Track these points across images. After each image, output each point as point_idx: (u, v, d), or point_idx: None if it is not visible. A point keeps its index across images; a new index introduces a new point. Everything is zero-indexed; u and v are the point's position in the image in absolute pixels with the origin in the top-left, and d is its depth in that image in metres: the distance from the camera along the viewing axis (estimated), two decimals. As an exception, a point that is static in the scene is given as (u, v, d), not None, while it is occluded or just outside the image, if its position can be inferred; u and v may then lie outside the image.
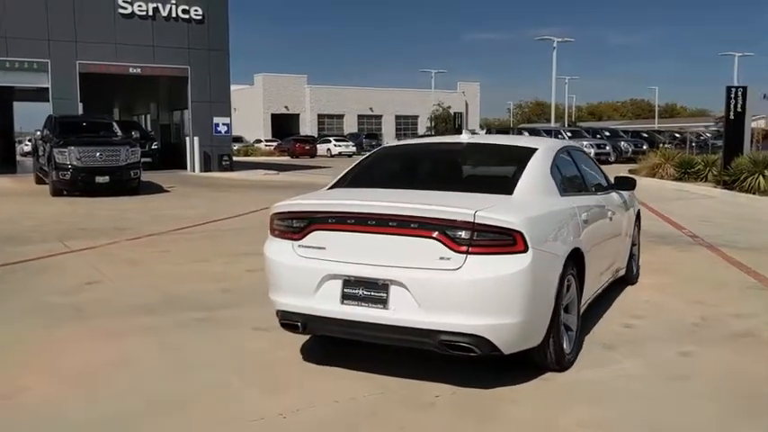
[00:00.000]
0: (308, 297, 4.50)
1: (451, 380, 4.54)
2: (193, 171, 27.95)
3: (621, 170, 25.93)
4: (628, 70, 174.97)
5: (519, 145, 5.68)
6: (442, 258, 4.16)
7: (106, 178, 17.80)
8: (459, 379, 4.55)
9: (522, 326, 4.22)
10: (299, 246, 4.59)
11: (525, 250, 4.16)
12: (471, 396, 4.35)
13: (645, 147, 36.90)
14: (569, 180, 5.52)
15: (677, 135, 42.05)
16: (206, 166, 28.20)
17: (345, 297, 4.37)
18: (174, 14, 27.18)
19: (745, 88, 18.14)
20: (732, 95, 18.07)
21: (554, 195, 5.01)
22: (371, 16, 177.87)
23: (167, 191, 19.86)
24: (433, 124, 43.42)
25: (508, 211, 4.29)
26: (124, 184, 18.16)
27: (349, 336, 4.64)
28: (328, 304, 4.42)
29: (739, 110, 18.04)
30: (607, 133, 39.19)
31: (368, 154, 5.85)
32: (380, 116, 75.45)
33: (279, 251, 4.71)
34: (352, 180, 5.40)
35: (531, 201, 4.68)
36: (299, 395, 4.36)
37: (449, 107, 39.50)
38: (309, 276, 4.49)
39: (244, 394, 4.43)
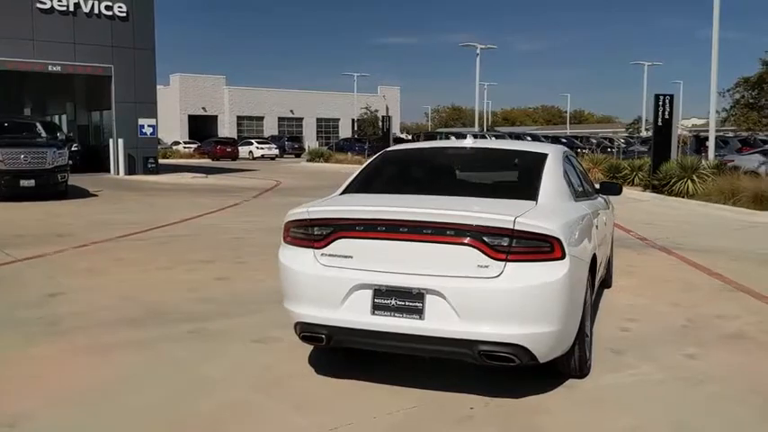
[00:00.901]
0: (333, 308, 4.31)
1: (478, 390, 4.46)
2: (117, 174, 26.86)
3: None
4: (537, 77, 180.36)
5: (529, 150, 5.66)
6: (480, 266, 4.07)
7: (32, 182, 16.82)
8: (485, 389, 4.48)
9: (559, 334, 4.19)
10: (322, 254, 4.40)
11: (563, 257, 4.12)
12: (505, 407, 4.28)
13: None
14: (576, 185, 5.55)
15: (593, 141, 43.54)
16: (130, 169, 27.15)
17: (376, 307, 4.21)
18: (96, 11, 26.04)
19: (672, 96, 18.95)
20: (660, 103, 18.84)
21: (570, 201, 5.01)
22: (293, 17, 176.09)
23: (95, 195, 18.98)
24: (360, 128, 43.30)
25: (545, 217, 4.24)
26: (51, 188, 17.22)
27: (379, 348, 4.48)
28: (357, 315, 4.25)
29: (667, 117, 18.81)
30: (529, 138, 40.08)
31: (373, 158, 5.67)
32: (301, 119, 74.84)
33: (298, 260, 4.50)
34: (365, 185, 5.23)
35: (556, 207, 4.65)
36: (331, 412, 4.17)
37: (376, 110, 39.43)
38: (335, 286, 4.31)
39: (273, 413, 4.21)
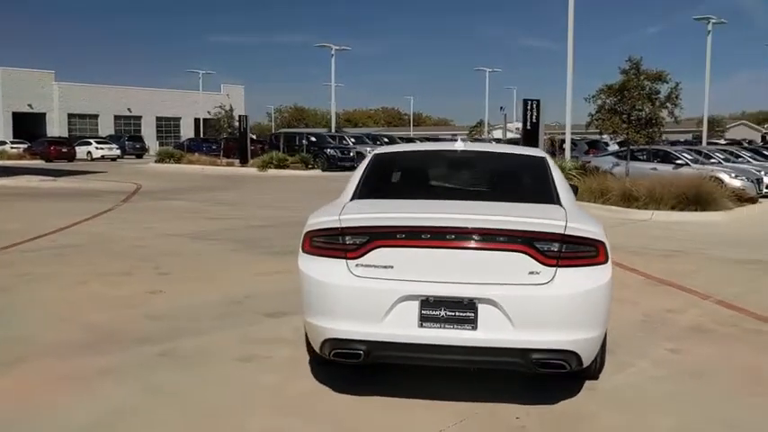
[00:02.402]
0: (374, 322, 4.05)
1: (510, 399, 4.41)
2: (-52, 177, 24.02)
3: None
4: (377, 80, 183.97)
5: (525, 153, 5.67)
6: (531, 273, 4.00)
7: None
8: (516, 398, 4.43)
9: (600, 338, 4.22)
10: (357, 265, 4.12)
11: (605, 261, 4.15)
12: (547, 414, 4.25)
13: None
14: None
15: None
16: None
17: (424, 319, 4.00)
18: None
19: (538, 101, 19.99)
20: (528, 107, 19.82)
21: (576, 203, 5.07)
22: (131, 11, 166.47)
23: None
24: (214, 127, 41.68)
25: (587, 221, 4.25)
26: None
27: (425, 362, 4.27)
28: (402, 328, 4.02)
29: (534, 120, 19.82)
30: (386, 140, 40.80)
31: (366, 162, 5.35)
32: (140, 117, 70.99)
33: (327, 271, 4.17)
34: (374, 191, 4.97)
35: (578, 210, 4.68)
36: (383, 432, 3.92)
37: (231, 110, 38.19)
38: (376, 299, 4.05)
39: (323, 439, 3.88)
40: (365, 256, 4.11)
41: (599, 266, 4.12)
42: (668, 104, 17.70)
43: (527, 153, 5.74)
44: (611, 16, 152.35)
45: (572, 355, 4.03)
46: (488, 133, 61.62)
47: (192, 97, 68.60)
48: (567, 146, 22.72)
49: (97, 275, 8.01)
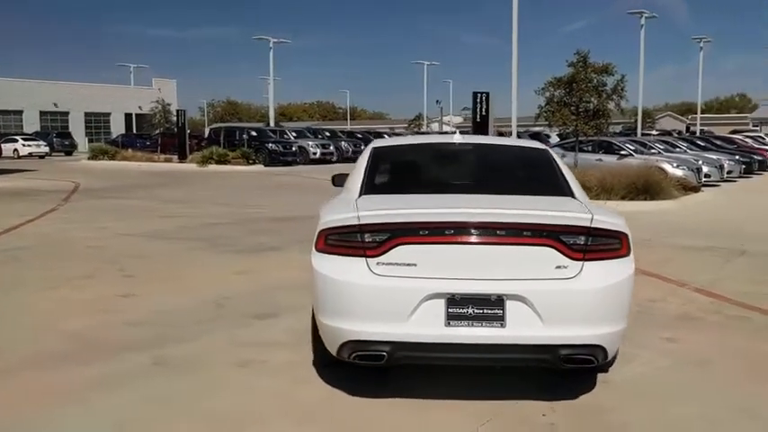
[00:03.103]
0: (399, 322, 3.88)
1: (529, 396, 4.34)
2: None
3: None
4: (312, 74, 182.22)
5: (528, 145, 5.59)
6: (558, 267, 3.92)
7: None
8: (534, 394, 4.36)
9: (623, 331, 4.17)
10: (378, 263, 3.94)
11: (628, 254, 4.10)
12: (572, 410, 4.19)
13: (363, 147, 38.88)
14: None
15: (386, 137, 45.00)
16: None
17: (451, 318, 3.86)
18: None
19: (487, 94, 20.06)
20: (478, 100, 19.87)
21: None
22: (58, 3, 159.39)
23: None
24: (151, 122, 40.47)
25: (610, 214, 4.18)
26: None
27: (451, 362, 4.14)
28: (429, 328, 3.87)
29: (484, 113, 19.90)
30: (328, 134, 40.48)
31: (367, 156, 5.14)
32: (67, 113, 68.29)
33: (347, 271, 3.98)
34: (382, 186, 4.79)
35: (589, 202, 4.62)
36: (415, 437, 3.77)
37: (169, 104, 37.13)
38: (401, 298, 3.89)
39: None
40: (386, 254, 3.94)
41: (623, 259, 4.07)
42: (614, 96, 18.07)
43: (528, 145, 5.67)
44: (543, 9, 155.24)
45: (599, 349, 3.97)
46: (428, 126, 61.92)
47: (123, 92, 66.40)
48: (514, 137, 22.98)
49: (60, 280, 7.56)
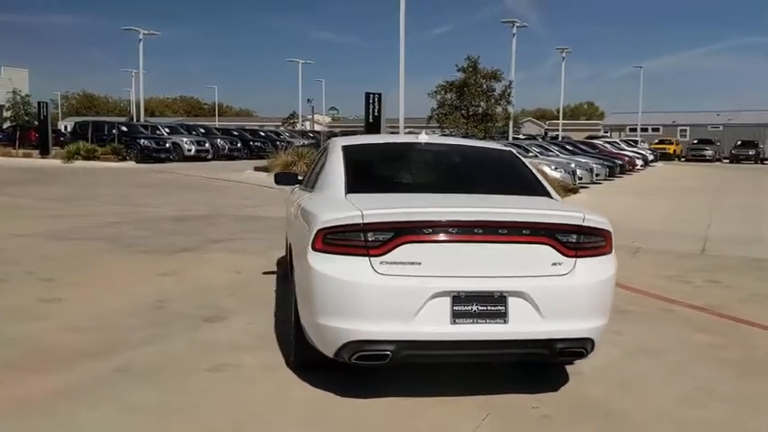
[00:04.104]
0: (404, 321, 3.89)
1: (511, 389, 4.47)
2: None
3: (246, 167, 26.57)
4: (175, 67, 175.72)
5: (492, 147, 5.71)
6: (554, 264, 4.08)
7: None
8: (514, 387, 4.50)
9: (606, 324, 4.39)
10: (382, 262, 3.93)
11: (611, 251, 4.34)
12: (560, 401, 4.37)
13: (239, 144, 38.17)
14: None
15: (262, 134, 44.29)
16: None
17: (456, 315, 3.92)
18: None
19: (380, 95, 20.32)
20: (371, 101, 20.08)
21: None
22: None
23: None
24: (11, 114, 37.39)
25: (597, 213, 4.38)
26: None
27: (454, 359, 4.22)
28: (435, 326, 3.91)
29: (376, 113, 20.14)
30: (202, 130, 39.25)
31: (338, 154, 5.02)
32: None
33: (349, 271, 3.94)
34: (365, 185, 4.71)
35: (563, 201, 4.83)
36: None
37: (28, 95, 34.51)
38: (407, 297, 3.90)
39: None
40: (390, 253, 3.94)
41: (608, 256, 4.30)
42: (502, 101, 18.85)
43: (493, 146, 5.83)
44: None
45: (589, 341, 4.18)
46: (302, 125, 61.60)
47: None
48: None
49: (-34, 284, 6.90)
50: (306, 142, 36.71)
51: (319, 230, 4.06)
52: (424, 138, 5.52)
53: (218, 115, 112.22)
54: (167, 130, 35.59)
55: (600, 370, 4.93)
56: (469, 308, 3.94)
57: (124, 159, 30.42)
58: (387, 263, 3.93)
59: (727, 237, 12.19)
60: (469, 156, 5.68)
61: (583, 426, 4.03)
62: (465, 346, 3.99)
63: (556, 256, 4.08)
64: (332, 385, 4.40)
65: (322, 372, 4.53)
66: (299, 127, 59.49)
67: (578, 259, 4.13)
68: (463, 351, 4.03)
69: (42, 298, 6.46)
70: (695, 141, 58.09)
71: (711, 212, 16.29)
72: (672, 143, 57.69)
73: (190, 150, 34.05)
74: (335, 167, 4.94)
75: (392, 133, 22.23)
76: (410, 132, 37.34)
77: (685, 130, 67.04)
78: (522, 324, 3.98)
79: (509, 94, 18.86)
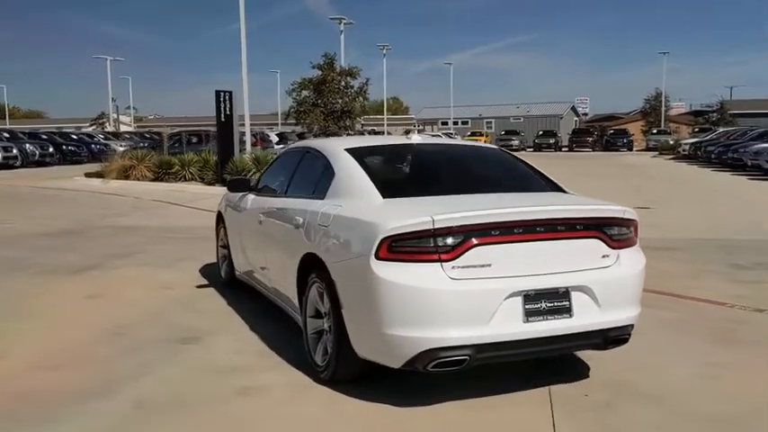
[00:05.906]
0: (482, 324, 3.88)
1: (547, 382, 4.54)
2: None
3: (78, 172, 24.52)
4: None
5: (484, 146, 5.75)
6: (604, 256, 4.26)
7: None
8: (549, 379, 4.58)
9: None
10: (454, 267, 3.87)
11: (637, 242, 4.59)
12: (600, 386, 4.51)
13: (51, 149, 35.11)
14: None
15: (75, 137, 40.93)
16: None
17: (529, 314, 3.97)
18: None
19: (230, 93, 19.58)
20: (221, 99, 19.33)
21: None
22: None
23: None
24: None
25: (624, 206, 4.60)
26: None
27: (526, 356, 4.25)
28: (510, 326, 3.93)
29: (228, 112, 19.43)
30: (7, 135, 35.42)
31: (348, 159, 4.78)
32: None
33: (421, 277, 3.84)
34: (399, 189, 4.60)
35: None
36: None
37: None
38: (483, 299, 3.88)
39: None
40: (461, 257, 3.89)
41: (637, 246, 4.56)
42: (359, 98, 19.03)
43: (488, 146, 5.92)
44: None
45: (632, 327, 4.41)
46: (112, 125, 57.76)
47: None
48: (248, 138, 22.87)
49: None
50: (133, 144, 34.44)
51: (384, 239, 3.90)
52: (417, 138, 5.49)
53: (2, 117, 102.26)
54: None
55: (615, 353, 5.09)
56: (539, 305, 4.01)
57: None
58: (459, 267, 3.88)
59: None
60: (477, 156, 5.79)
61: (638, 405, 4.23)
62: (536, 344, 4.05)
63: (604, 248, 4.26)
64: (375, 396, 4.25)
65: (358, 382, 4.38)
66: (109, 128, 55.72)
67: (621, 250, 4.34)
68: (534, 348, 4.08)
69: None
70: (503, 132, 62.38)
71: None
72: (482, 135, 61.51)
73: (-4, 158, 30.64)
74: (354, 172, 4.76)
75: (242, 132, 21.60)
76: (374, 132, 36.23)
77: (491, 123, 71.88)
78: (584, 317, 4.12)
79: (365, 91, 19.11)
